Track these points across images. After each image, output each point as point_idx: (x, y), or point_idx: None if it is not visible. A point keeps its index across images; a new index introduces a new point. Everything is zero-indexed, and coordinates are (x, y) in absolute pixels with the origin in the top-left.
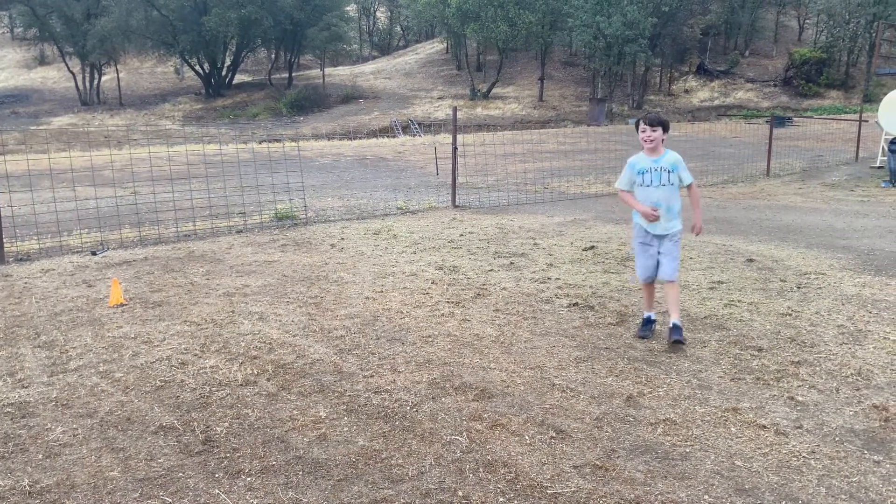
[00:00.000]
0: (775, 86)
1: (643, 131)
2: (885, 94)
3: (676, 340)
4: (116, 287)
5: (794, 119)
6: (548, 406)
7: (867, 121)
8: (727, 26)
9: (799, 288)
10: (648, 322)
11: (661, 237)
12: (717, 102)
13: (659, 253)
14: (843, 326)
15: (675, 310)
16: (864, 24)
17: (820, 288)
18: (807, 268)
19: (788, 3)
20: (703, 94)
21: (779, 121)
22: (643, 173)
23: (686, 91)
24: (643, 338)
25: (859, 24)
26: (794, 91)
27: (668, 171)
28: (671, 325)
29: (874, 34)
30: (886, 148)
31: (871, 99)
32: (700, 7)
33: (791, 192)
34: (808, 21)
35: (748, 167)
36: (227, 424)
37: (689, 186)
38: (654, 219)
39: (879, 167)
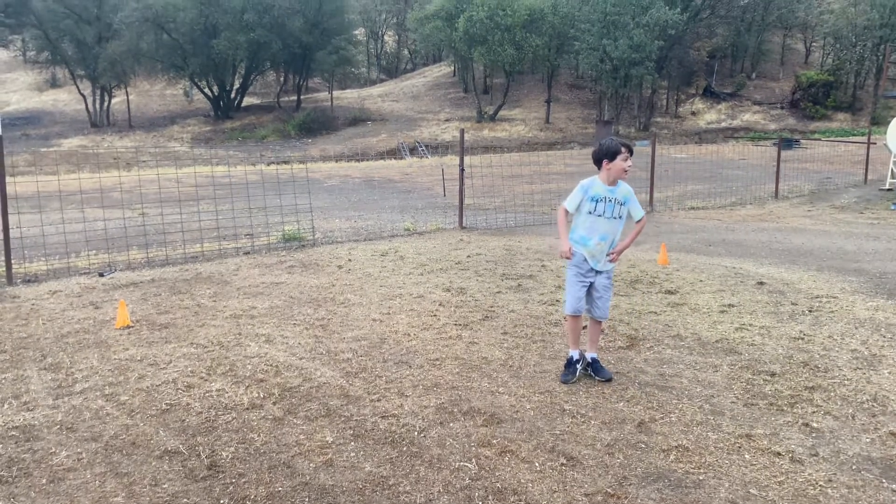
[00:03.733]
0: (782, 108)
1: (625, 160)
2: (893, 116)
3: (609, 378)
4: (123, 309)
5: (802, 141)
6: (558, 432)
7: (875, 143)
8: (733, 49)
9: (811, 311)
10: (572, 363)
11: (598, 272)
12: (724, 124)
13: (593, 288)
14: (857, 351)
15: (595, 345)
16: (871, 46)
17: (832, 311)
18: (818, 291)
19: (794, 27)
20: (710, 116)
21: (786, 143)
22: (597, 201)
23: (693, 113)
24: (566, 382)
25: (866, 47)
26: (802, 113)
27: (621, 204)
28: (590, 359)
29: (881, 57)
30: (895, 170)
31: (879, 121)
32: (706, 30)
33: (800, 215)
34: (814, 44)
35: (756, 189)
36: (232, 449)
37: (639, 220)
38: (566, 258)
39: (889, 189)
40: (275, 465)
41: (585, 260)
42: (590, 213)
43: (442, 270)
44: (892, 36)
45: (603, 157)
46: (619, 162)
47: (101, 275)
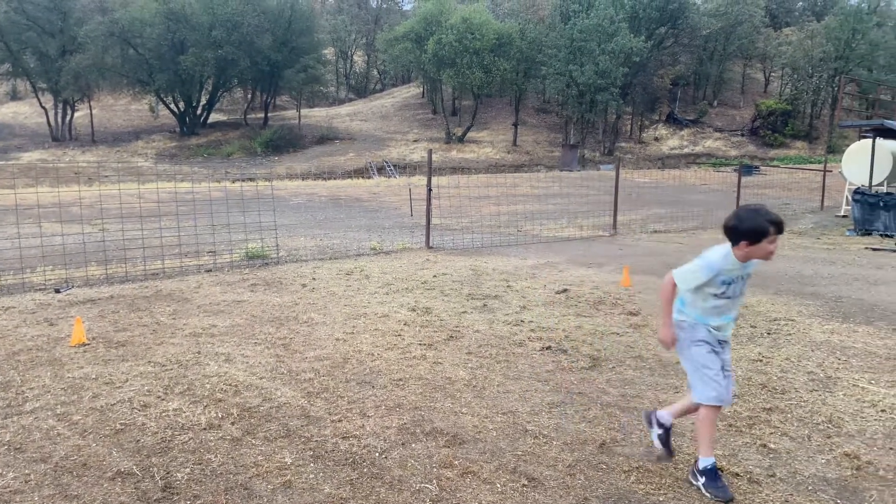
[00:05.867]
0: (743, 135)
1: (772, 242)
2: (848, 145)
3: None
4: (79, 326)
5: (761, 168)
6: (520, 453)
7: (831, 171)
8: (696, 77)
9: (769, 334)
10: (718, 473)
11: (725, 343)
12: (686, 150)
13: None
14: (814, 373)
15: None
16: (827, 77)
17: (789, 334)
18: (776, 314)
19: (754, 57)
20: (672, 142)
21: (746, 169)
22: (730, 284)
23: (656, 139)
24: (730, 500)
25: (822, 78)
26: (761, 141)
27: (749, 276)
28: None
29: (836, 88)
30: (850, 198)
31: (835, 150)
32: (670, 58)
33: None
34: (773, 74)
35: (717, 214)
36: (188, 470)
37: None
38: (669, 347)
39: (844, 216)
40: (232, 486)
41: (711, 331)
42: (716, 295)
43: (407, 290)
44: (847, 68)
45: (743, 238)
46: (765, 245)
47: (58, 291)
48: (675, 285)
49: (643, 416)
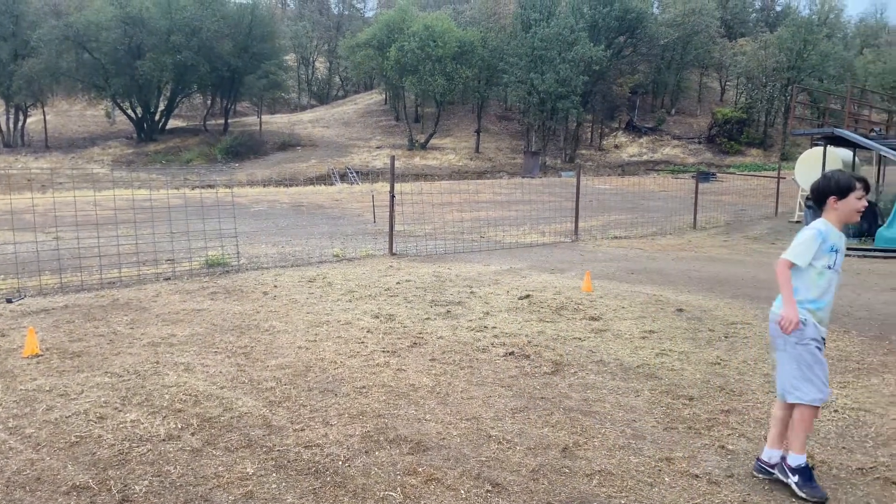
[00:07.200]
0: (700, 143)
1: (860, 198)
2: (801, 152)
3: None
4: (32, 336)
5: (718, 175)
6: (484, 458)
7: (785, 178)
8: (654, 86)
9: (727, 337)
10: (811, 472)
11: (824, 342)
12: (645, 157)
13: None
14: (769, 375)
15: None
16: (780, 87)
17: (746, 337)
18: (734, 318)
19: (710, 66)
20: (632, 149)
21: (703, 176)
22: (836, 251)
23: (616, 146)
24: (826, 499)
25: (775, 88)
26: (718, 148)
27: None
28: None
29: (789, 97)
30: (803, 203)
31: (788, 157)
32: (629, 67)
33: (717, 245)
34: (728, 83)
35: (676, 220)
36: (146, 483)
37: None
38: (793, 328)
39: (797, 222)
40: (191, 498)
41: (816, 328)
42: (829, 267)
43: (371, 297)
44: (799, 78)
45: (831, 192)
46: (852, 200)
47: (10, 301)
48: (791, 265)
49: (759, 471)
